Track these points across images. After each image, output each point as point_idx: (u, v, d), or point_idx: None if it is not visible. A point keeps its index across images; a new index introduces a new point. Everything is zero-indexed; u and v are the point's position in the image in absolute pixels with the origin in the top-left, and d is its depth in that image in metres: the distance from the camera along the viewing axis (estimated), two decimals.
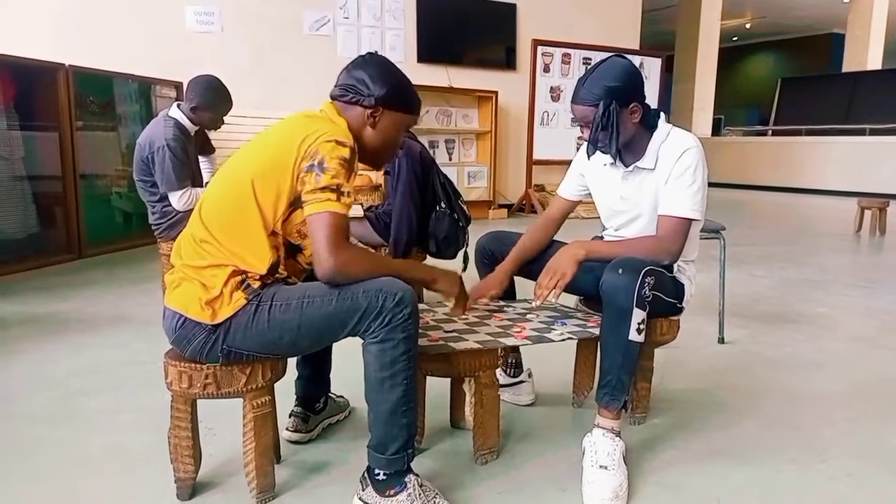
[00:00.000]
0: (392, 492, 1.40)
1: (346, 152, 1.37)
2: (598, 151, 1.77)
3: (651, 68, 8.05)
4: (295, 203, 1.40)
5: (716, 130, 14.54)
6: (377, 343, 1.35)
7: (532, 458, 1.73)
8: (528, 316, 1.87)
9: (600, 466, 1.53)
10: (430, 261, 2.86)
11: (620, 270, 1.59)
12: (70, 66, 4.40)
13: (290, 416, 1.80)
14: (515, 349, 2.06)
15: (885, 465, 1.72)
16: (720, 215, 3.06)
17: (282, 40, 6.30)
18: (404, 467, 1.42)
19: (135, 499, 1.52)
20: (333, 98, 1.52)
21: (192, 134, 2.91)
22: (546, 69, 7.52)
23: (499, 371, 1.99)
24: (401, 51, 6.84)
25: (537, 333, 1.70)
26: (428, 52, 7.04)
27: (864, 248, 5.59)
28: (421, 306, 1.88)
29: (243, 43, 6.07)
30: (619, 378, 1.62)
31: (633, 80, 1.70)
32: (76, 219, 4.47)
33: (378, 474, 1.41)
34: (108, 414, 1.99)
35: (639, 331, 1.60)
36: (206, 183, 3.06)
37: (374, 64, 1.50)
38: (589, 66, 1.87)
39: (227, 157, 1.54)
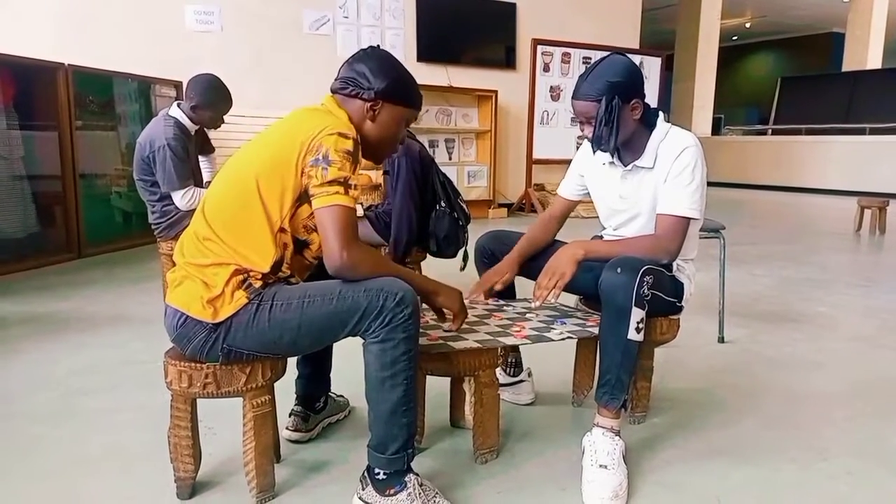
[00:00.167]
0: (392, 491, 1.40)
1: (349, 144, 1.37)
2: (599, 149, 1.77)
3: (651, 67, 8.05)
4: (301, 198, 1.40)
5: (716, 130, 14.55)
6: (378, 343, 1.35)
7: (532, 457, 1.73)
8: (528, 315, 1.86)
9: (600, 465, 1.53)
10: (430, 260, 2.87)
11: (619, 269, 1.59)
12: (70, 65, 4.40)
13: (290, 415, 1.80)
14: (515, 348, 2.06)
15: (885, 464, 1.72)
16: (720, 214, 3.07)
17: (281, 40, 6.30)
18: (404, 467, 1.42)
19: (134, 498, 1.52)
20: (334, 91, 1.52)
21: (193, 133, 2.91)
22: (546, 68, 7.52)
23: (498, 370, 1.99)
24: (400, 50, 6.83)
25: (537, 333, 1.70)
26: (427, 52, 7.04)
27: (863, 248, 5.59)
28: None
29: (243, 42, 6.07)
30: (618, 377, 1.62)
31: (634, 77, 1.70)
32: (76, 218, 4.47)
33: (378, 474, 1.41)
34: (108, 413, 1.99)
35: (638, 330, 1.60)
36: (207, 183, 3.07)
37: (374, 57, 1.50)
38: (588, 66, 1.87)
39: (227, 156, 1.54)
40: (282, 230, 1.41)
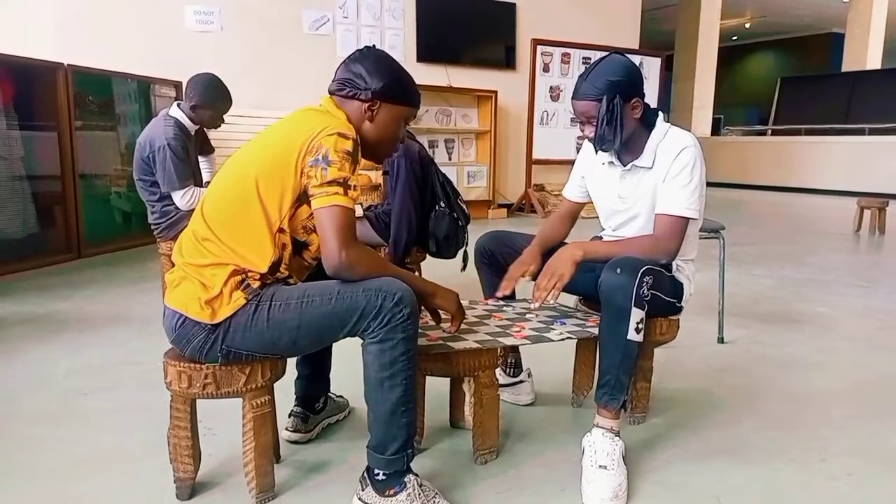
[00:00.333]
0: (392, 492, 1.40)
1: (349, 145, 1.37)
2: (602, 149, 1.77)
3: (650, 67, 8.05)
4: (300, 199, 1.40)
5: (715, 130, 14.56)
6: (376, 343, 1.35)
7: (532, 457, 1.72)
8: (528, 316, 1.86)
9: (600, 466, 1.53)
10: (430, 261, 2.87)
11: (619, 270, 1.59)
12: (69, 65, 4.40)
13: (289, 415, 1.80)
14: (515, 349, 2.06)
15: (885, 463, 1.72)
16: (720, 215, 3.07)
17: (281, 40, 6.30)
18: (404, 467, 1.42)
19: (134, 498, 1.52)
20: (332, 93, 1.52)
21: (193, 133, 2.91)
22: (545, 69, 7.52)
23: (498, 371, 1.98)
24: (400, 50, 6.83)
25: (536, 333, 1.70)
26: (427, 52, 7.04)
27: (863, 248, 5.60)
28: None
29: (243, 42, 6.07)
30: (618, 377, 1.62)
31: (634, 76, 1.71)
32: (75, 218, 4.46)
33: (378, 474, 1.41)
34: (108, 413, 1.99)
35: (637, 330, 1.60)
36: (206, 183, 3.06)
37: (371, 57, 1.50)
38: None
39: (227, 156, 1.54)
40: (281, 230, 1.41)
